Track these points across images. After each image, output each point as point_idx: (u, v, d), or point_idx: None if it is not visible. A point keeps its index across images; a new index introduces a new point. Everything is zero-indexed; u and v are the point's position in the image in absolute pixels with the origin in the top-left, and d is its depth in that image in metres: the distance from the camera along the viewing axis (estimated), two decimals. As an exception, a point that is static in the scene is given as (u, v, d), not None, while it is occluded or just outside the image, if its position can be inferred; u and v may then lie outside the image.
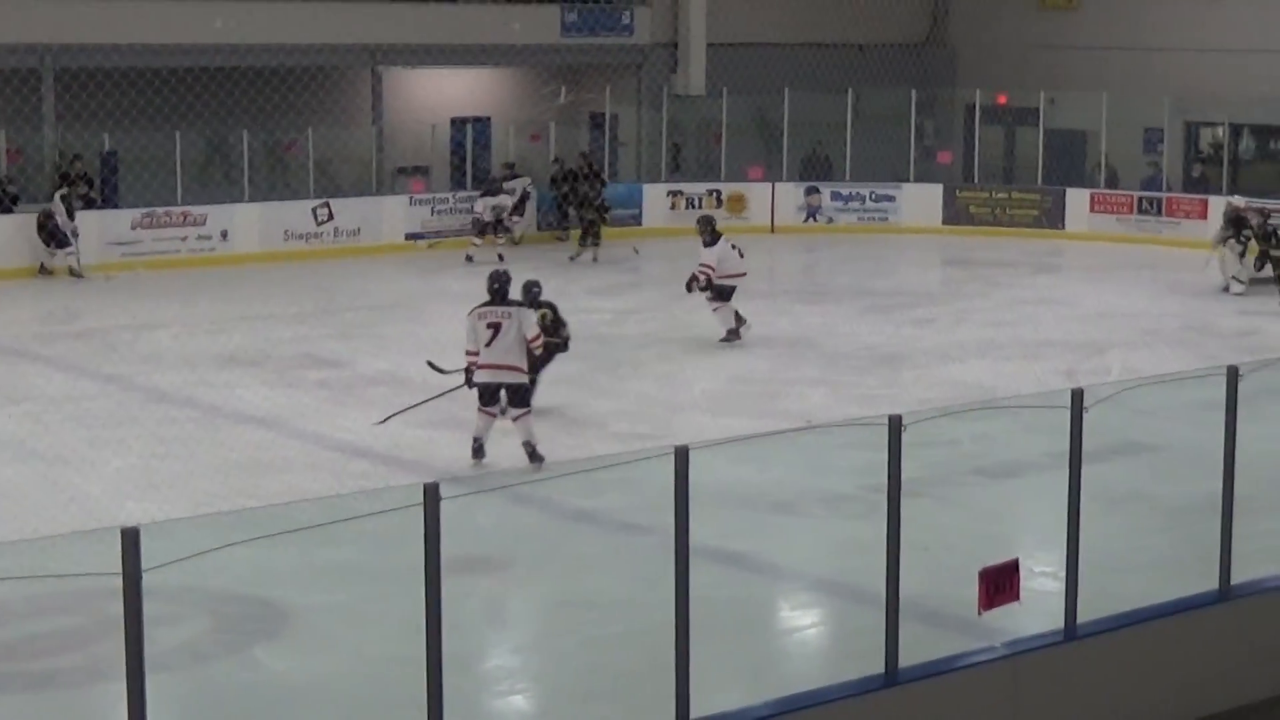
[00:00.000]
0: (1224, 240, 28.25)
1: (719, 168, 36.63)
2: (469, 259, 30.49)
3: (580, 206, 32.67)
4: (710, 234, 23.85)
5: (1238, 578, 11.92)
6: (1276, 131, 36.08)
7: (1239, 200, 29.19)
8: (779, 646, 13.06)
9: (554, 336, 18.92)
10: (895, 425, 10.00)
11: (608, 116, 36.73)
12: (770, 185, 36.29)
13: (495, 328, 16.83)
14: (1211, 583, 11.76)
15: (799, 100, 36.62)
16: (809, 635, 13.50)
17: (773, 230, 35.99)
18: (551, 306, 19.30)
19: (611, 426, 18.81)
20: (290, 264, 30.68)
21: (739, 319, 23.70)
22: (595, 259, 31.73)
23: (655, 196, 35.68)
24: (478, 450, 17.00)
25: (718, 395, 20.82)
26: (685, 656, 9.34)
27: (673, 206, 35.33)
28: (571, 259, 31.69)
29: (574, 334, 19.66)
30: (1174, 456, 16.63)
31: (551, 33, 36.10)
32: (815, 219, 36.33)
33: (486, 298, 17.17)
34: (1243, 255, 28.01)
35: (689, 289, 23.87)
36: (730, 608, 12.95)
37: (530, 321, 17.11)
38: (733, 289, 23.72)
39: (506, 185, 32.47)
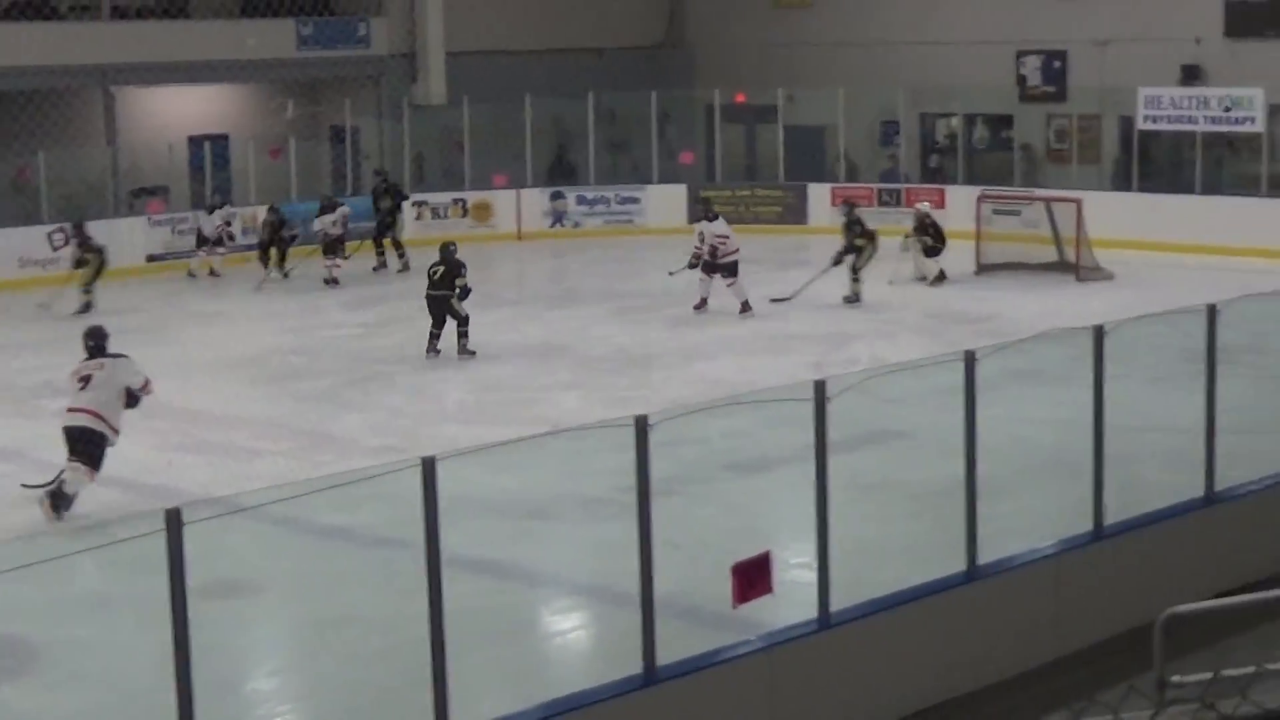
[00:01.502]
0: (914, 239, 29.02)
1: (463, 177, 36.51)
2: (333, 281, 29.87)
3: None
4: (712, 212, 27.12)
5: (984, 558, 12.16)
6: (1008, 120, 36.93)
7: (924, 206, 29.93)
8: (540, 652, 13.06)
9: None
10: (641, 426, 10.04)
11: (348, 129, 36.42)
12: (515, 192, 36.24)
13: (85, 379, 16.02)
14: (959, 564, 11.98)
15: (541, 106, 36.66)
16: (570, 639, 13.52)
17: (519, 237, 35.99)
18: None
19: (363, 441, 18.64)
20: (26, 293, 29.84)
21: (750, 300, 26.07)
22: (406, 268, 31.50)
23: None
24: (58, 502, 15.70)
25: (470, 405, 20.78)
26: (442, 668, 9.29)
27: (418, 217, 35.09)
28: (374, 270, 31.54)
29: (326, 348, 19.50)
30: (921, 442, 16.94)
31: (287, 47, 35.70)
32: (561, 224, 36.40)
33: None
34: (926, 254, 28.70)
35: (692, 265, 26.65)
36: (490, 616, 12.93)
37: (130, 371, 16.25)
38: (736, 264, 26.24)
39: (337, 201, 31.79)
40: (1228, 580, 12.82)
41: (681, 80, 40.10)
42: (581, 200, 36.60)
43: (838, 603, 11.25)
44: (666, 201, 36.45)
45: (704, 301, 26.60)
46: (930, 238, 28.88)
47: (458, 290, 23.43)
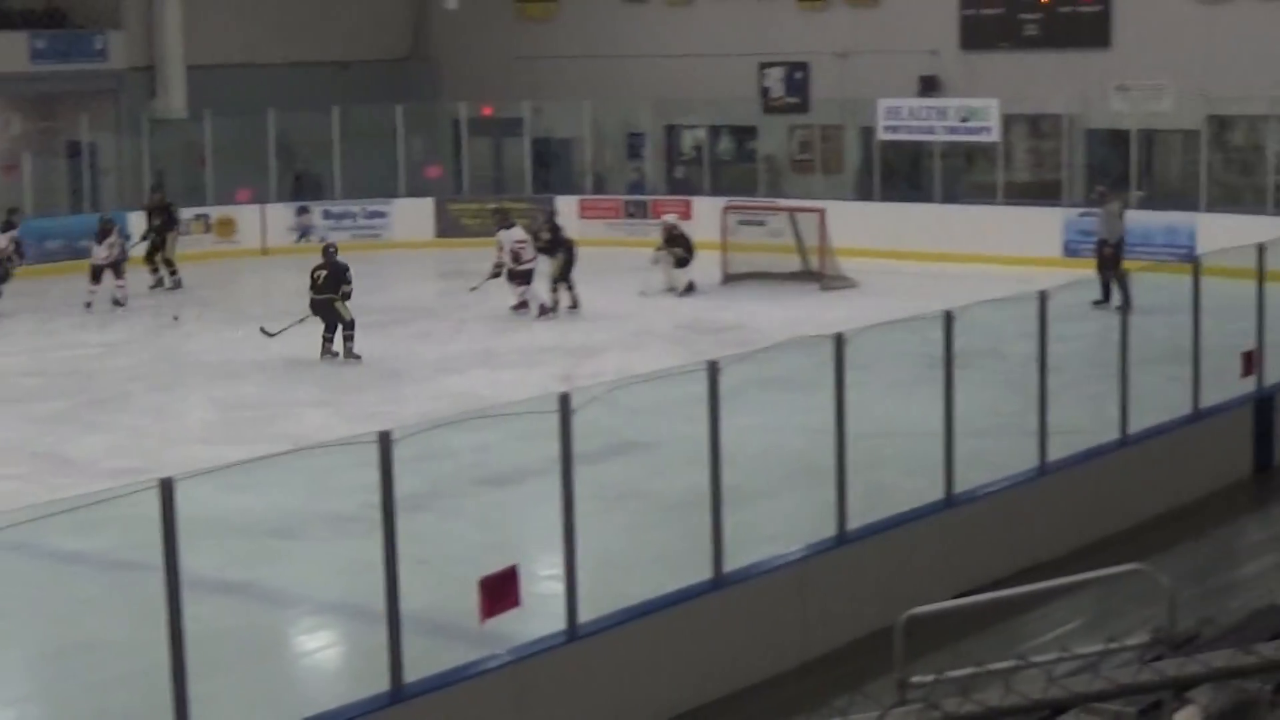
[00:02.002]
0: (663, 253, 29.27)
1: (205, 192, 35.91)
2: (120, 303, 28.98)
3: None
4: (509, 220, 27.65)
5: (732, 565, 12.27)
6: (752, 131, 37.36)
7: (671, 218, 30.23)
8: (288, 672, 12.91)
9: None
10: (385, 441, 9.94)
11: (85, 145, 35.63)
12: (259, 207, 35.78)
13: None
14: (707, 572, 12.06)
15: (285, 120, 36.23)
16: (318, 658, 13.39)
17: (264, 253, 35.50)
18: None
19: (103, 463, 18.22)
20: None
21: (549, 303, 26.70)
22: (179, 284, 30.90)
23: (140, 224, 34.70)
24: None
25: (213, 424, 20.42)
26: (183, 692, 9.12)
27: (161, 233, 34.38)
28: (150, 288, 30.81)
29: (63, 369, 19.06)
30: (668, 452, 17.04)
31: (20, 60, 34.83)
32: (307, 239, 35.96)
33: None
34: (677, 266, 28.95)
35: (495, 274, 26.97)
36: (237, 637, 12.75)
37: None
38: (530, 271, 26.80)
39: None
40: (968, 580, 13.07)
41: (427, 93, 39.93)
42: (328, 215, 36.24)
43: (586, 614, 11.27)
44: (414, 215, 36.27)
45: (524, 303, 26.98)
46: (682, 249, 29.09)
47: (342, 293, 23.70)
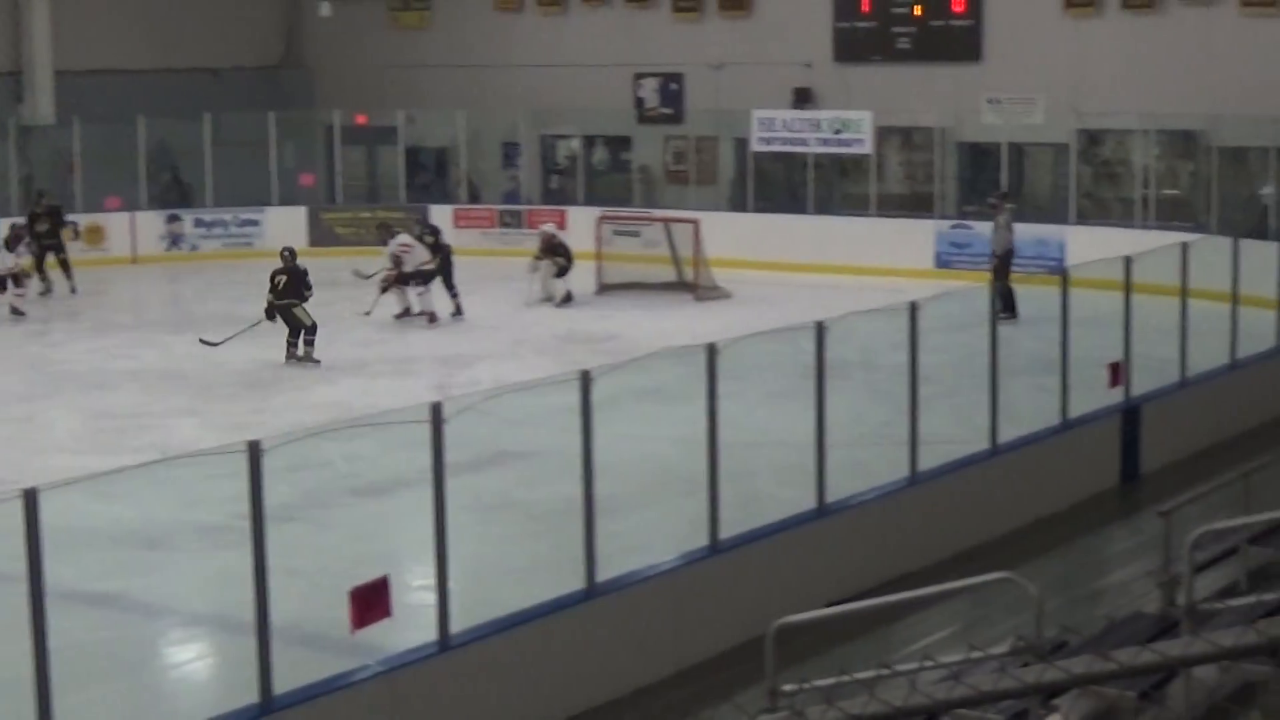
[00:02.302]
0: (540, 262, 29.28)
1: (74, 199, 35.45)
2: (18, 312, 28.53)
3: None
4: (393, 230, 27.90)
5: (606, 574, 12.28)
6: (627, 142, 37.42)
7: (549, 228, 30.24)
8: (157, 685, 12.79)
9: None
10: (254, 451, 9.86)
11: (-50, 151, 35.11)
12: (130, 215, 35.39)
13: None
14: (580, 582, 12.07)
15: (156, 127, 35.87)
16: (188, 670, 13.26)
17: (135, 260, 35.10)
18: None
19: (-32, 474, 17.93)
20: None
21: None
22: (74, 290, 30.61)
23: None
24: None
25: (81, 434, 20.18)
26: (47, 706, 9.00)
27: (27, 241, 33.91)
28: (41, 295, 30.37)
29: None
30: (542, 462, 17.02)
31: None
32: (178, 247, 35.65)
33: None
34: (558, 275, 28.97)
35: (385, 289, 26.97)
36: (105, 650, 12.62)
37: None
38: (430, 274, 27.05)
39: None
40: (840, 589, 13.15)
41: (300, 101, 39.68)
42: (199, 223, 35.91)
43: (459, 624, 11.24)
44: (287, 223, 35.96)
45: (406, 310, 27.09)
46: (563, 258, 29.09)
47: (304, 298, 24.12)
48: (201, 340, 24.38)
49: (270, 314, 24.19)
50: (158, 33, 38.30)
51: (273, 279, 24.43)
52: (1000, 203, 28.07)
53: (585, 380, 12.05)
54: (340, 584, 11.02)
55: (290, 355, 23.89)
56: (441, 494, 11.15)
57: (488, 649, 11.28)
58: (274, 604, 10.27)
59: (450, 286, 27.41)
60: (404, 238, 27.39)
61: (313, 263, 26.72)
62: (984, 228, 31.47)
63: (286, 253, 25.02)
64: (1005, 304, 24.38)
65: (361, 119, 38.22)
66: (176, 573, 15.01)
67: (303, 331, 23.93)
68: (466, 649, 11.12)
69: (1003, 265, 26.79)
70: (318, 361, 23.72)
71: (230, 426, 19.67)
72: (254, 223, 36.09)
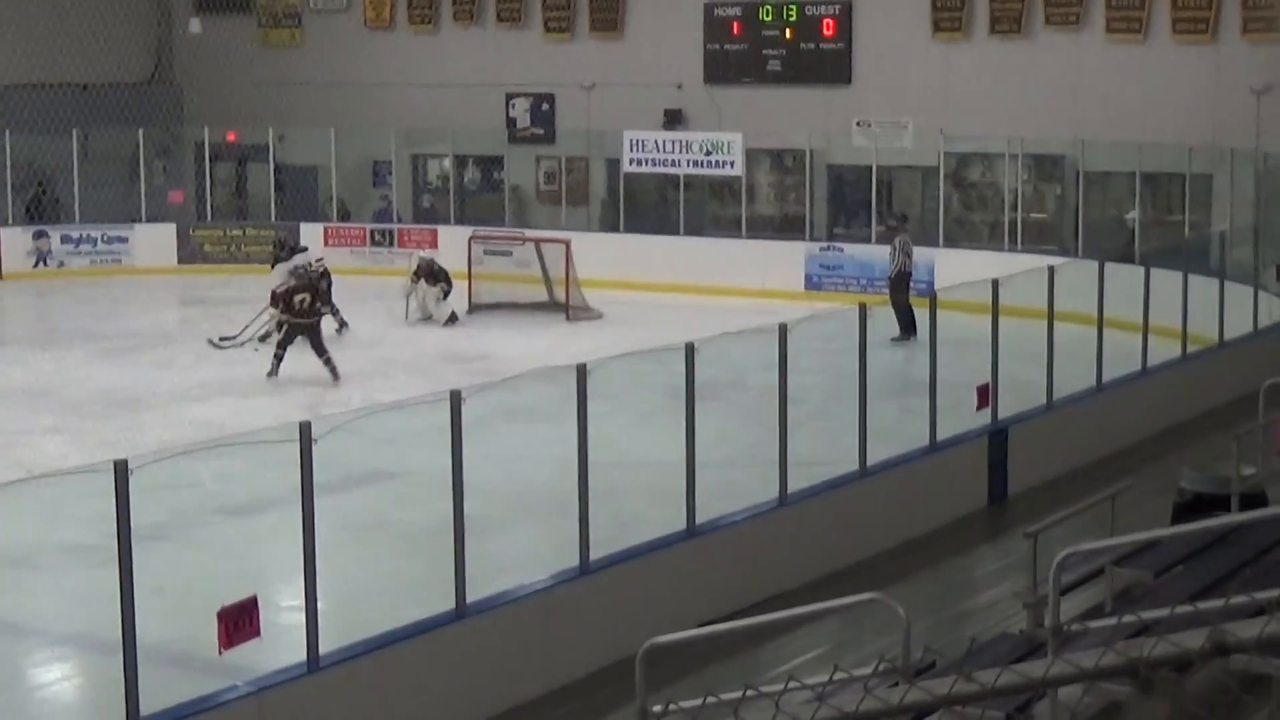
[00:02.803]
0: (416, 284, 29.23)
1: (-63, 216, 34.97)
2: None
3: None
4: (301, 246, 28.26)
5: (477, 594, 12.27)
6: (499, 161, 37.38)
7: (427, 254, 30.26)
8: (23, 705, 12.61)
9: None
10: (121, 470, 9.78)
11: None
12: (-5, 231, 34.94)
13: None
14: (450, 602, 12.04)
15: (22, 143, 35.42)
16: (54, 691, 13.11)
17: (0, 277, 34.64)
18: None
19: None
20: None
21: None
22: None
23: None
24: None
25: (-55, 452, 19.88)
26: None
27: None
28: None
29: None
30: (413, 482, 16.95)
31: None
32: (45, 263, 35.21)
33: None
34: (443, 298, 28.94)
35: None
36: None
37: None
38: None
39: None
40: (711, 610, 13.19)
41: (170, 117, 39.34)
42: (66, 239, 35.48)
43: (329, 644, 11.18)
44: (156, 240, 35.66)
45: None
46: (445, 283, 29.05)
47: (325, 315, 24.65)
48: (214, 342, 24.97)
49: (291, 334, 24.03)
50: (26, 48, 37.79)
51: (288, 298, 24.18)
52: (900, 225, 28.33)
53: (455, 400, 12.03)
54: (209, 604, 10.94)
55: (275, 370, 23.82)
56: (310, 513, 11.10)
57: (357, 669, 11.24)
58: (141, 624, 10.18)
59: (329, 303, 27.10)
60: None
61: (181, 280, 26.59)
62: (854, 250, 31.88)
63: (303, 269, 25.08)
64: (905, 325, 24.63)
65: (231, 136, 37.95)
66: (43, 592, 14.85)
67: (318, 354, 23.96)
68: (336, 669, 11.07)
69: (900, 286, 26.95)
70: (337, 376, 23.85)
71: (98, 445, 19.47)
72: (122, 239, 35.71)
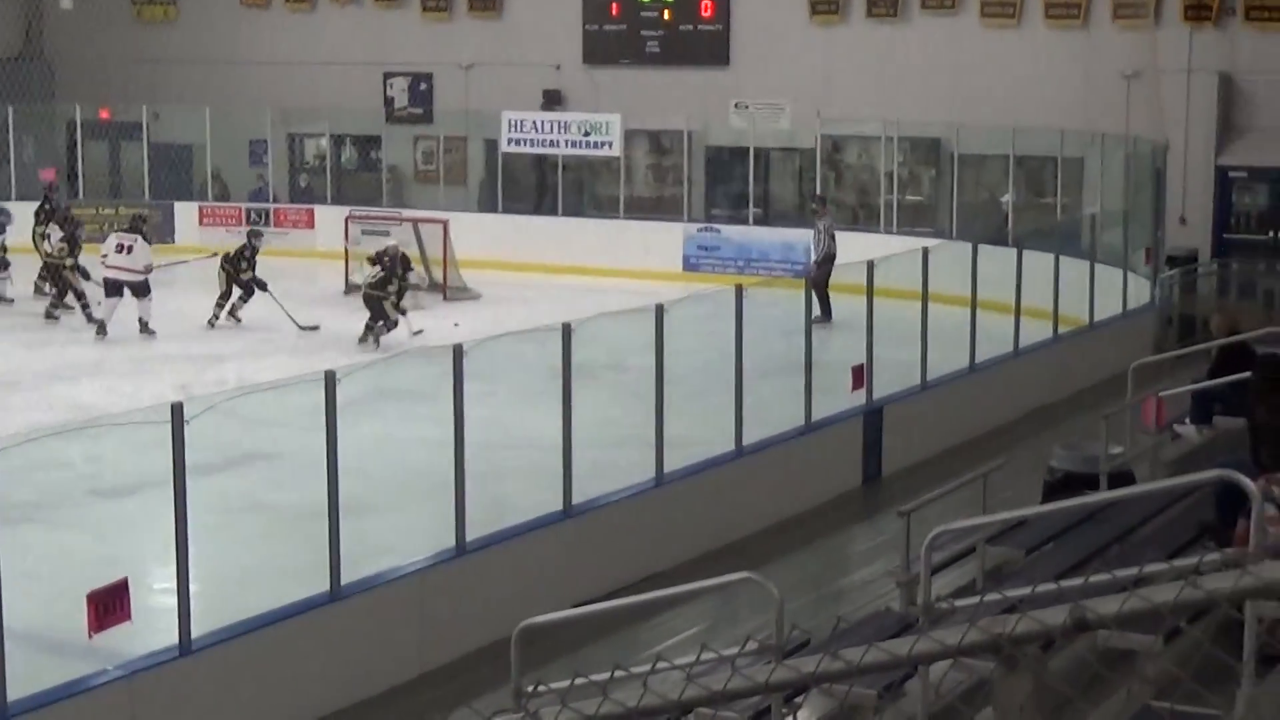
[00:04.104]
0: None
1: None
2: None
3: None
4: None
5: (353, 576, 12.21)
6: (376, 141, 37.14)
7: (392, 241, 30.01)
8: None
9: None
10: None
11: None
12: None
13: None
14: (325, 584, 11.98)
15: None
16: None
17: None
18: None
19: None
20: None
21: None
22: None
23: None
24: None
25: None
26: None
27: None
28: None
29: None
30: (289, 463, 16.82)
31: None
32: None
33: None
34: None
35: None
36: None
37: None
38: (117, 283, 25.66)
39: None
40: (588, 590, 13.21)
41: (41, 94, 38.75)
42: (-67, 217, 34.84)
43: (202, 628, 11.09)
44: (27, 219, 35.08)
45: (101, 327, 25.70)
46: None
47: (394, 293, 24.98)
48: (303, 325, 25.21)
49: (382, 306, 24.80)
50: (-109, 21, 37.18)
51: (369, 273, 25.38)
52: (822, 208, 28.30)
53: (330, 381, 11.96)
54: (78, 587, 10.82)
55: (365, 338, 24.64)
56: (182, 495, 11.00)
57: (230, 652, 11.15)
58: (8, 608, 10.04)
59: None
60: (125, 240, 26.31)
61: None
62: (732, 231, 31.99)
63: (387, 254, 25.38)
64: (822, 308, 24.67)
65: (105, 114, 37.49)
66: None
67: (383, 321, 24.70)
68: (208, 653, 10.98)
69: (823, 270, 26.67)
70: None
71: (-36, 427, 19.18)
72: (-12, 218, 35.08)
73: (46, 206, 29.75)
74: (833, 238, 27.44)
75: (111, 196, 37.31)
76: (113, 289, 25.69)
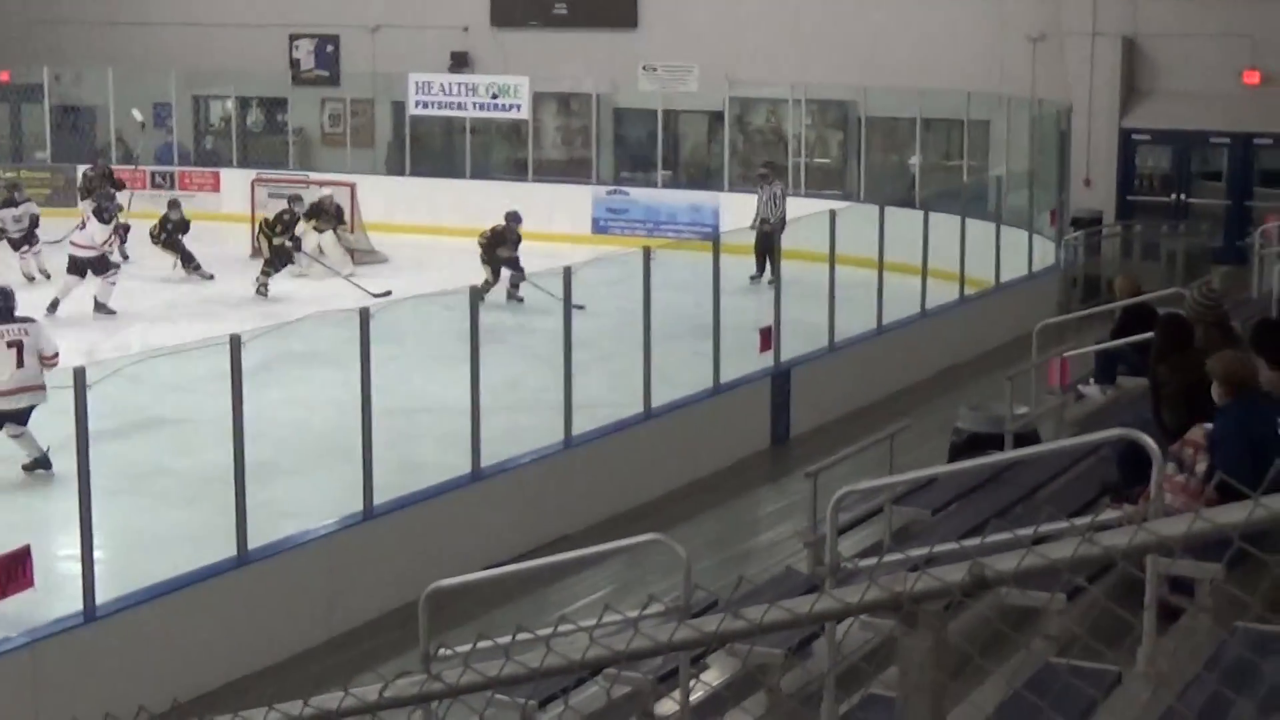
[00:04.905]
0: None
1: None
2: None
3: None
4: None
5: (260, 541, 12.16)
6: (283, 103, 36.85)
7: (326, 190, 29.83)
8: None
9: None
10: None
11: None
12: None
13: (16, 346, 15.70)
14: (232, 549, 11.93)
15: None
16: None
17: None
18: None
19: None
20: None
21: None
22: None
23: None
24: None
25: None
26: None
27: None
28: None
29: None
30: (195, 428, 16.70)
31: None
32: None
33: None
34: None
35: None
36: None
37: (46, 337, 16.28)
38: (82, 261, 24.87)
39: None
40: (497, 553, 13.19)
41: (-59, 55, 38.25)
42: None
43: (107, 594, 11.02)
44: (-73, 183, 34.70)
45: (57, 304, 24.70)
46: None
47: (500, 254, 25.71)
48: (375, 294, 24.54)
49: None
50: None
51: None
52: (770, 173, 28.20)
53: (235, 345, 11.89)
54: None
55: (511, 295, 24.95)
56: (85, 461, 10.91)
57: (136, 618, 11.09)
58: (-90, 576, 9.95)
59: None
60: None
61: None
62: (639, 194, 31.99)
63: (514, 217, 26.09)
64: (764, 269, 24.80)
65: (4, 76, 37.02)
66: None
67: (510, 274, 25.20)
68: (114, 619, 10.92)
69: (773, 233, 26.41)
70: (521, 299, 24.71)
71: None
72: (-110, 182, 34.64)
73: None
74: (783, 201, 27.34)
75: (13, 161, 36.85)
76: (73, 267, 25.17)
